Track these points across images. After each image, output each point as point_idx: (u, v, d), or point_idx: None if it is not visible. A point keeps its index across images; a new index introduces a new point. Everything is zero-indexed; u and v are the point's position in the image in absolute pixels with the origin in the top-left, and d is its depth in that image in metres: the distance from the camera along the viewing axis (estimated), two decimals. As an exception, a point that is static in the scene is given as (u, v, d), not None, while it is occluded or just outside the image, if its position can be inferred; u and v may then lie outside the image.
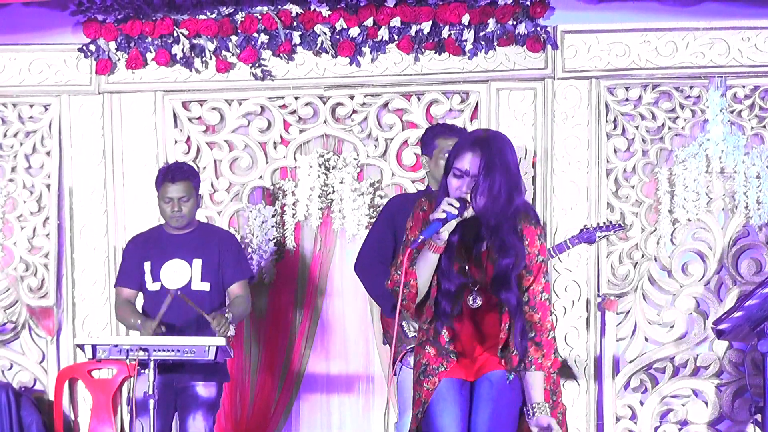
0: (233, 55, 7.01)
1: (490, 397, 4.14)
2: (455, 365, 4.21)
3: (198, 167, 6.90)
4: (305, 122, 7.10)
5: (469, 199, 4.08)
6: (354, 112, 7.07)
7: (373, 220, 6.86)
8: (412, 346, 5.07)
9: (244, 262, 6.14)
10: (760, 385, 5.64)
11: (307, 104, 7.08)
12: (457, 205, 4.06)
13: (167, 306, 5.75)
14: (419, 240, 4.07)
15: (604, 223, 6.58)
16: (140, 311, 6.04)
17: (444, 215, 4.04)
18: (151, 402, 5.49)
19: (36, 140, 7.16)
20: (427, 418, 4.20)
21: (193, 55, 7.02)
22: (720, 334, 5.94)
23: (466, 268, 4.18)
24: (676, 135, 6.92)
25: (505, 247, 4.10)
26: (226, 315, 5.76)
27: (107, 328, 7.01)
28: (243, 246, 6.59)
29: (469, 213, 4.09)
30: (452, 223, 4.07)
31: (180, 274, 5.92)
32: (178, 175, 5.97)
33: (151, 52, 7.02)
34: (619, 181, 6.92)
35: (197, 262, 5.94)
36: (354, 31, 6.92)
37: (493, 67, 6.87)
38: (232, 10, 6.98)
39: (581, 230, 6.46)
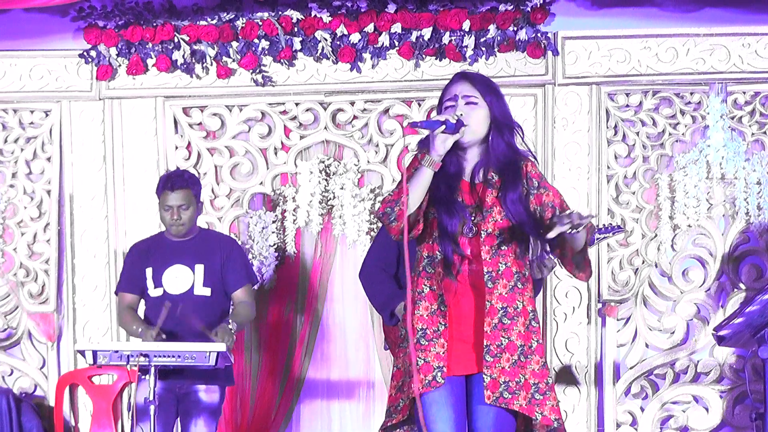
0: (234, 61, 7.01)
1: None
2: (449, 357, 4.14)
3: (198, 173, 6.92)
4: (306, 128, 7.10)
5: (465, 122, 4.13)
6: (354, 117, 7.07)
7: (373, 226, 6.87)
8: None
9: (248, 267, 6.13)
10: (761, 391, 5.64)
11: (307, 110, 7.08)
12: (454, 120, 4.10)
13: (165, 315, 5.73)
14: (418, 123, 4.13)
15: (604, 225, 6.53)
16: (141, 318, 6.03)
17: (444, 119, 4.09)
18: (152, 408, 5.49)
19: (36, 146, 7.16)
20: (422, 416, 4.15)
21: (193, 61, 7.02)
22: (720, 341, 5.93)
23: (461, 199, 4.18)
24: (676, 141, 6.92)
25: (515, 182, 4.16)
26: (229, 326, 5.75)
27: (108, 333, 7.00)
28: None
29: (465, 134, 4.13)
30: (448, 140, 4.09)
31: (182, 279, 5.92)
32: (177, 183, 5.96)
33: (151, 57, 7.03)
34: (619, 187, 6.93)
35: (199, 268, 5.94)
36: (355, 37, 6.92)
37: (494, 73, 6.87)
38: (233, 16, 6.98)
39: None
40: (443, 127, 4.07)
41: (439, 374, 4.10)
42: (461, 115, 4.13)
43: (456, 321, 4.16)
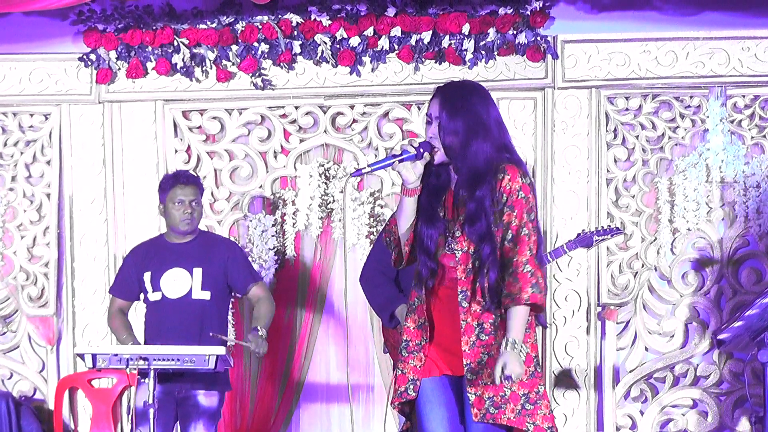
0: (233, 64, 7.01)
1: None
2: (438, 358, 4.15)
3: (198, 176, 6.91)
4: (305, 131, 7.10)
5: (435, 145, 4.09)
6: (354, 121, 7.07)
7: (372, 230, 6.88)
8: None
9: (252, 266, 6.18)
10: (760, 395, 5.64)
11: (307, 113, 7.08)
12: (416, 145, 4.09)
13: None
14: (362, 170, 4.17)
15: (602, 227, 6.52)
16: (130, 324, 6.05)
17: (399, 151, 4.09)
18: (151, 411, 5.48)
19: (36, 149, 7.16)
20: (417, 418, 4.18)
21: (193, 64, 7.02)
22: (720, 344, 5.94)
23: (443, 213, 4.15)
24: (676, 144, 6.92)
25: (473, 196, 4.06)
26: (260, 333, 5.76)
27: (107, 337, 7.00)
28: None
29: (438, 158, 4.09)
30: (418, 165, 4.08)
31: (180, 283, 5.92)
32: (189, 179, 6.02)
33: (151, 61, 7.03)
34: (619, 190, 6.92)
35: (198, 271, 5.94)
36: (354, 41, 6.92)
37: (494, 76, 6.88)
38: (233, 19, 6.98)
39: (578, 234, 6.35)
40: (395, 161, 4.08)
41: (411, 387, 4.13)
42: (431, 138, 4.09)
43: (440, 329, 4.15)
